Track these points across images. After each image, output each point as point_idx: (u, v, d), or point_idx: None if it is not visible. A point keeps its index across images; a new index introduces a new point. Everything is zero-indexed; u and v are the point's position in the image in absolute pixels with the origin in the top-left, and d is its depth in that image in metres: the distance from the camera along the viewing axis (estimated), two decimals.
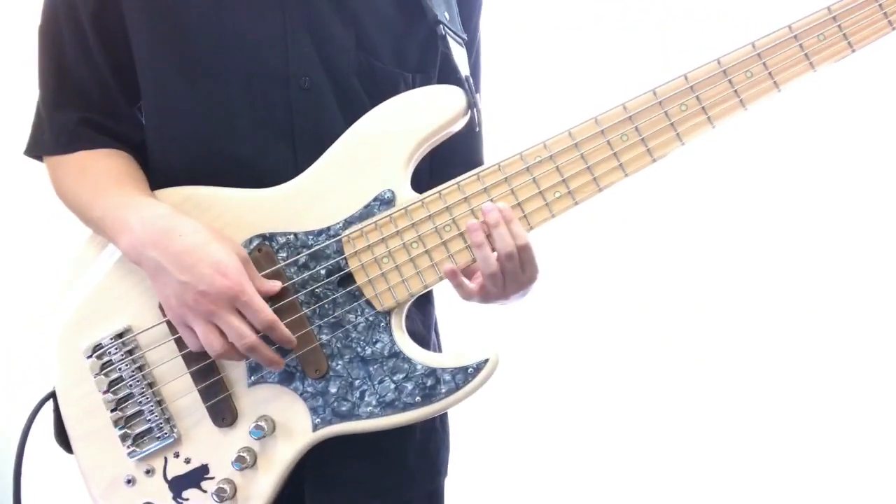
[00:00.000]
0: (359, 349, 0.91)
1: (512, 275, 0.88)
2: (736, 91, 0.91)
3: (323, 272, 0.91)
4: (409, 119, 0.92)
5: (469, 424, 1.81)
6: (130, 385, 0.91)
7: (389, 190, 0.92)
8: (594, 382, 1.96)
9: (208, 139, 0.94)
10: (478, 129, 0.98)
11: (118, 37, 0.94)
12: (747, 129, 1.82)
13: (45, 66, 0.97)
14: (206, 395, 0.91)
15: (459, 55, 0.99)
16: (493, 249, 0.87)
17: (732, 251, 1.93)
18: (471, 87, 0.96)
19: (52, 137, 0.96)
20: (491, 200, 0.90)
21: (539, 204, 0.91)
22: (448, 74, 0.99)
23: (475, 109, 0.95)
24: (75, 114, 0.95)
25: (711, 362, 1.93)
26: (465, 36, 1.03)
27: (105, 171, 0.93)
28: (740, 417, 1.92)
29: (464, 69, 0.98)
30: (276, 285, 0.89)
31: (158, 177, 0.96)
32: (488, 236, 0.87)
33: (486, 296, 0.91)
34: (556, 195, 0.91)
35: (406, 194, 0.92)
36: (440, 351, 1.11)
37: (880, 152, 1.87)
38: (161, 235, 0.85)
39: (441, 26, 0.97)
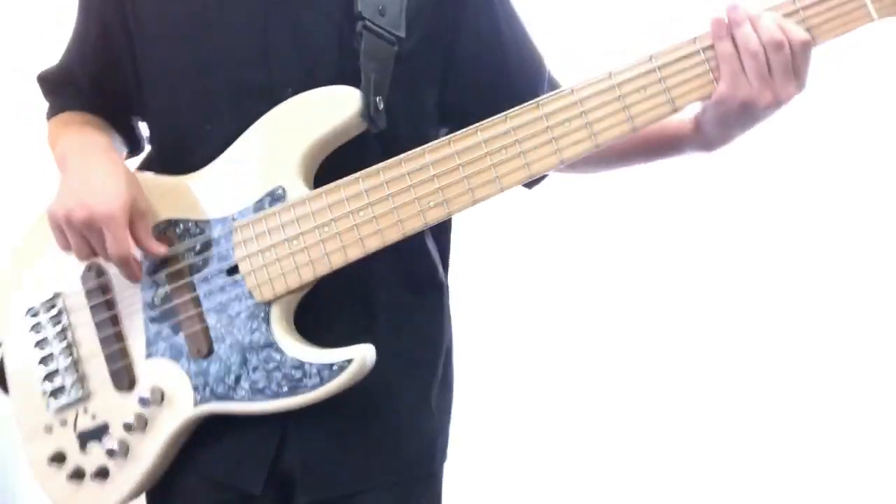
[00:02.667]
0: (239, 336, 0.96)
1: (784, 71, 0.83)
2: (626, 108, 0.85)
3: (214, 259, 0.97)
4: (303, 121, 0.95)
5: (473, 418, 1.85)
6: (52, 345, 1.02)
7: (281, 187, 0.96)
8: (593, 378, 1.95)
9: (192, 132, 1.02)
10: (377, 131, 0.97)
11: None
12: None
13: (73, 36, 1.11)
14: (109, 360, 1.00)
15: (381, 53, 0.99)
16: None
17: (732, 251, 1.89)
18: (379, 88, 0.96)
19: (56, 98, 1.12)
20: (367, 193, 0.92)
21: (414, 210, 0.91)
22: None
23: (374, 114, 0.95)
24: (80, 81, 1.09)
25: (710, 362, 1.89)
26: (399, 33, 0.99)
27: (77, 117, 1.08)
28: (739, 418, 1.88)
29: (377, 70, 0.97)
30: (161, 248, 0.96)
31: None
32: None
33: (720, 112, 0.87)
34: (430, 204, 0.91)
35: (297, 192, 0.95)
36: (442, 374, 1.09)
37: (880, 151, 1.78)
38: (92, 154, 0.97)
39: (361, 23, 0.96)
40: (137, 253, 0.96)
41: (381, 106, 0.97)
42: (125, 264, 0.94)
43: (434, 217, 0.91)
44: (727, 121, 0.89)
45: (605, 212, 1.90)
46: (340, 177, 0.94)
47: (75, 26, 1.10)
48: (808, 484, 1.84)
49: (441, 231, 1.11)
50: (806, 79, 0.85)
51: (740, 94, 0.84)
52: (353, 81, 0.95)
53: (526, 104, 0.89)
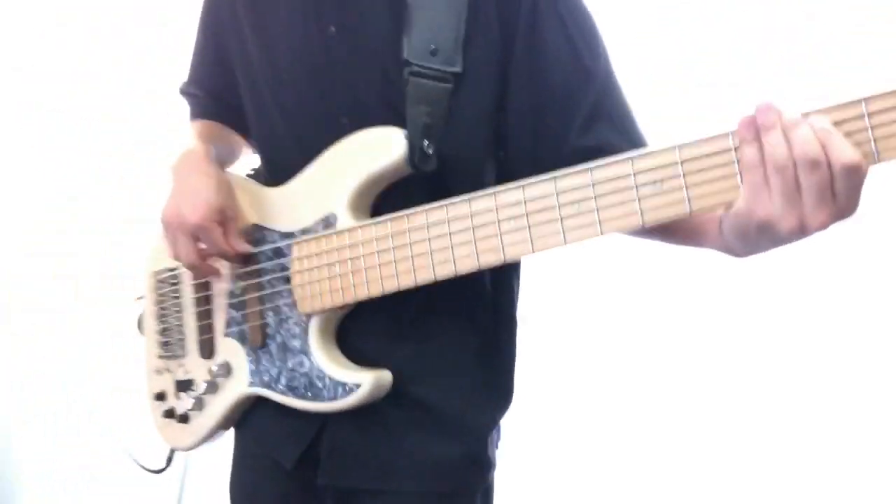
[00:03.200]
0: (285, 338, 1.10)
1: (819, 195, 0.69)
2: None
3: (278, 267, 1.11)
4: (356, 158, 1.03)
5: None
6: (166, 307, 1.26)
7: (333, 214, 1.05)
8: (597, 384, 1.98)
9: (273, 150, 1.17)
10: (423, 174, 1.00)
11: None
12: None
13: (194, 50, 1.30)
14: (200, 331, 1.21)
15: (433, 94, 1.01)
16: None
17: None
18: (429, 131, 0.99)
19: (191, 111, 1.33)
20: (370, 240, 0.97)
21: (426, 262, 0.95)
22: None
23: (418, 160, 0.99)
24: (198, 93, 1.29)
25: (711, 364, 1.91)
26: (455, 69, 1.00)
27: (199, 126, 1.27)
28: (741, 420, 1.90)
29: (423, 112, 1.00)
30: (244, 246, 1.11)
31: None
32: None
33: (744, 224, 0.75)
34: (441, 259, 0.93)
35: (345, 221, 1.04)
36: (486, 398, 1.12)
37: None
38: (191, 167, 1.13)
39: (407, 69, 0.99)
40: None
41: (431, 150, 1.00)
42: (226, 258, 1.11)
43: (442, 273, 0.93)
44: (746, 235, 0.77)
45: None
46: (396, 209, 1.01)
47: (196, 40, 1.26)
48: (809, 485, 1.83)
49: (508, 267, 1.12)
50: (853, 204, 0.70)
51: (759, 212, 0.72)
52: (400, 122, 0.99)
53: (543, 176, 0.86)
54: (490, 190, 0.90)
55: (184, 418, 1.22)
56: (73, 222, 1.33)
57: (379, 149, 1.01)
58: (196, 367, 1.22)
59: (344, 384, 1.03)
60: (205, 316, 1.20)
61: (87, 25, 1.22)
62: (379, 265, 0.99)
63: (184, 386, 1.23)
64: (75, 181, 1.07)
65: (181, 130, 1.23)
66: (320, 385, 1.05)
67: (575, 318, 2.00)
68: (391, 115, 1.01)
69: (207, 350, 1.20)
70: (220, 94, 1.26)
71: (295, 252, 1.08)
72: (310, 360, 1.06)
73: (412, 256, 0.96)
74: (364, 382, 1.01)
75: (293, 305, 1.08)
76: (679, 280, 1.95)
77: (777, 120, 0.70)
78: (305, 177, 1.10)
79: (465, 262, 0.91)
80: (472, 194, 0.91)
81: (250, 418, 1.19)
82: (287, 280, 1.09)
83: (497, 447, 1.15)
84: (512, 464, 1.21)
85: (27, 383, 1.29)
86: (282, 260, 1.10)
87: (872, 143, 0.68)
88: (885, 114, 0.68)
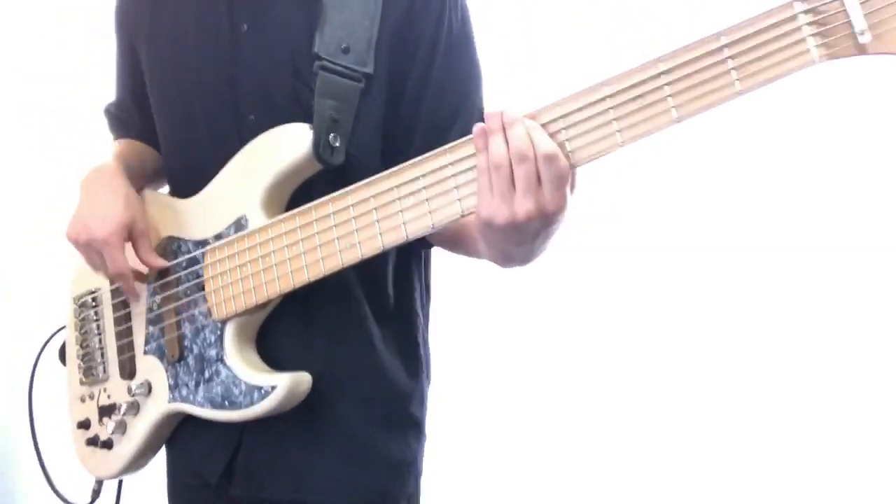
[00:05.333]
0: (201, 348, 1.06)
1: (525, 184, 0.78)
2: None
3: (192, 276, 1.08)
4: (265, 157, 1.02)
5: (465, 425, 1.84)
6: (88, 331, 1.22)
7: (244, 216, 1.03)
8: (588, 382, 1.97)
9: (182, 155, 1.15)
10: (332, 168, 0.99)
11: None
12: (746, 128, 1.77)
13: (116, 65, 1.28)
14: (120, 351, 1.17)
15: (342, 91, 1.01)
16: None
17: (732, 252, 1.88)
18: (336, 126, 0.99)
19: (112, 129, 1.31)
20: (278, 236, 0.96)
21: (333, 249, 0.93)
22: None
23: (323, 152, 0.98)
24: (117, 112, 1.28)
25: (710, 363, 1.89)
26: (366, 70, 1.01)
27: (119, 147, 1.25)
28: (740, 420, 1.88)
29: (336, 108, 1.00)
30: (159, 262, 1.08)
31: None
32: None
33: (491, 219, 0.80)
34: (347, 245, 0.92)
35: (256, 222, 1.02)
36: (404, 413, 1.11)
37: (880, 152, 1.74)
38: (100, 183, 1.12)
39: (317, 63, 0.99)
40: (142, 267, 1.10)
41: (337, 143, 0.99)
42: (121, 279, 1.08)
43: (349, 258, 0.92)
44: (485, 237, 0.85)
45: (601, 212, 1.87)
46: None
47: (115, 56, 1.25)
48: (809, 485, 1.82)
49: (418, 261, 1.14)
50: (558, 198, 0.78)
51: (483, 212, 0.81)
52: (308, 118, 0.99)
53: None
54: (387, 172, 0.90)
55: (107, 445, 1.17)
56: None
57: (285, 145, 1.00)
58: (119, 390, 1.17)
59: (259, 388, 0.99)
60: (125, 335, 1.16)
61: (87, 25, 1.19)
62: (288, 259, 0.97)
63: (107, 411, 1.19)
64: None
65: None
66: (236, 392, 1.01)
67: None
68: (299, 112, 1.01)
69: (128, 370, 1.15)
70: (144, 104, 1.20)
71: (208, 258, 1.06)
72: (226, 367, 1.03)
73: (319, 246, 0.94)
74: (280, 384, 0.98)
75: (208, 313, 1.05)
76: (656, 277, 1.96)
77: (500, 125, 0.79)
78: (217, 183, 1.08)
79: (369, 244, 0.90)
80: (371, 178, 0.91)
81: (175, 437, 1.15)
82: (201, 288, 1.07)
83: (422, 451, 1.12)
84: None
85: (27, 383, 1.24)
86: (195, 268, 1.08)
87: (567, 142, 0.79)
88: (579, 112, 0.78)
